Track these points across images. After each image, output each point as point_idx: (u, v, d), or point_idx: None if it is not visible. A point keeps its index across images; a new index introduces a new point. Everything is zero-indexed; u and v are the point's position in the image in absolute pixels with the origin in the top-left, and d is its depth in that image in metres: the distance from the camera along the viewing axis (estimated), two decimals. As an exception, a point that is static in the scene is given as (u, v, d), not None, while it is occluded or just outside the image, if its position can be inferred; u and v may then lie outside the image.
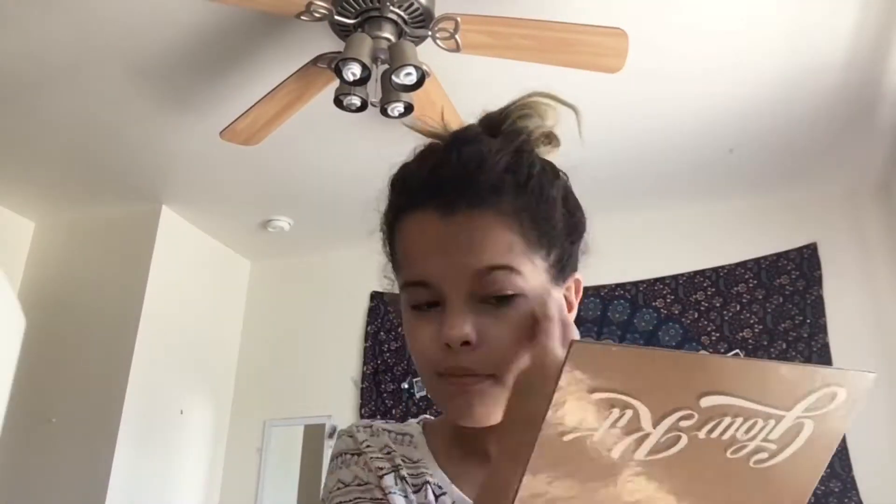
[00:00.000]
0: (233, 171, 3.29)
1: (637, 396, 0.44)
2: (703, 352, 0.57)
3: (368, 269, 3.84)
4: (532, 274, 0.62)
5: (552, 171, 0.67)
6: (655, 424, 0.45)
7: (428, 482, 0.67)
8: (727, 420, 0.46)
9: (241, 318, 4.11)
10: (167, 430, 3.49)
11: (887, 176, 3.21)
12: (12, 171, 3.33)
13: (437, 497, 0.66)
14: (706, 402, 0.45)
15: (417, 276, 0.63)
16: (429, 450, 0.71)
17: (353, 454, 0.69)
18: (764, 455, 0.48)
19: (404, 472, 0.67)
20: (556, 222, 0.65)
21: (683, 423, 0.46)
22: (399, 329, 3.76)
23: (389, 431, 0.72)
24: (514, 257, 0.61)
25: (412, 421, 0.76)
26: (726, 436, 0.47)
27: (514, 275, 0.61)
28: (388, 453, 0.69)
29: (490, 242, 0.61)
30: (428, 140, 0.69)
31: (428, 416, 0.77)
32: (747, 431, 0.47)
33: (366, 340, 3.82)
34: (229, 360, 3.99)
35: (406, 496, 0.66)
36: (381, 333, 3.80)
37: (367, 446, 0.69)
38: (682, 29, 2.41)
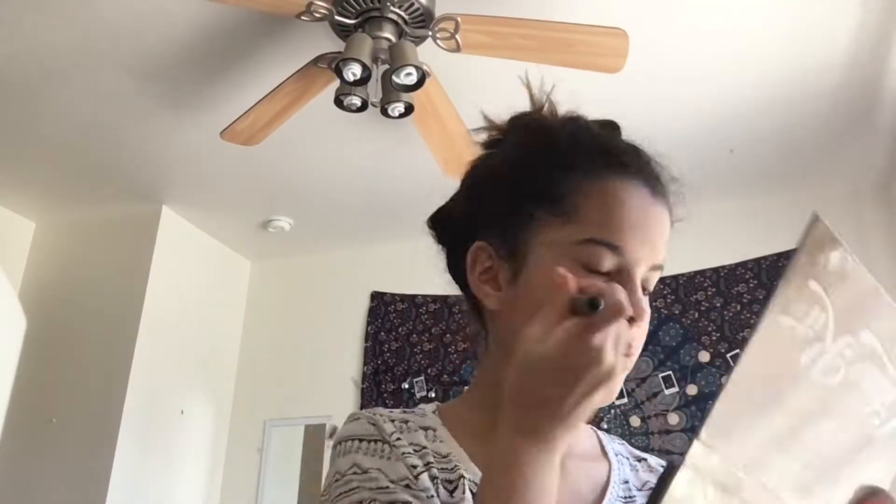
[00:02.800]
0: (233, 171, 3.29)
1: (834, 304, 0.46)
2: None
3: (368, 269, 3.85)
4: None
5: None
6: (833, 340, 0.47)
7: (463, 476, 0.62)
8: (868, 366, 0.48)
9: (241, 318, 4.11)
10: (167, 430, 3.49)
11: (887, 176, 3.21)
12: (13, 171, 3.33)
13: (474, 494, 0.61)
14: (864, 336, 0.47)
15: (617, 241, 0.62)
16: (456, 442, 0.66)
17: (377, 441, 0.63)
18: (876, 421, 0.50)
19: (435, 471, 0.62)
20: None
21: (846, 352, 0.47)
22: (399, 329, 3.76)
23: (412, 425, 0.66)
24: None
25: (424, 409, 0.71)
26: (865, 384, 0.48)
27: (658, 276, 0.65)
28: (419, 450, 0.63)
29: (666, 241, 0.65)
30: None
31: (424, 406, 0.72)
32: (874, 388, 0.48)
33: (366, 340, 3.82)
34: (229, 360, 3.99)
35: (438, 496, 0.60)
36: (382, 333, 3.80)
37: (398, 439, 0.63)
38: (682, 29, 2.41)
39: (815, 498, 0.49)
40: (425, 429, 0.67)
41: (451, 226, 0.73)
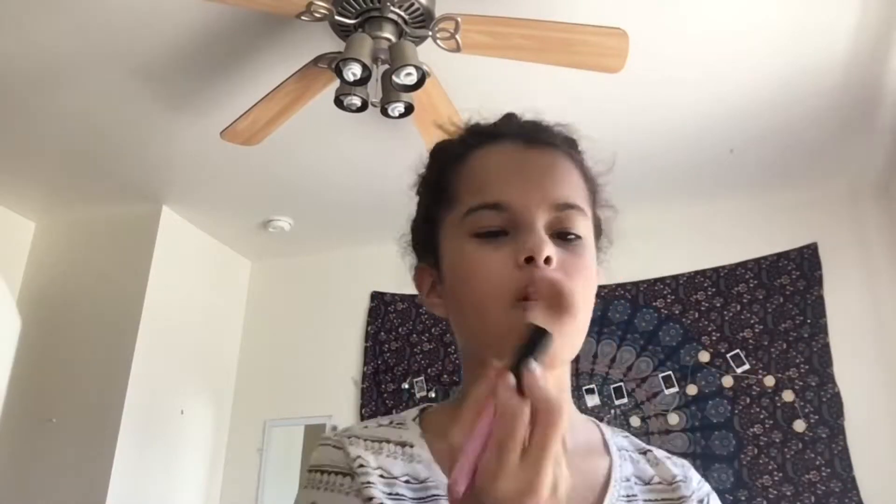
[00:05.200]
0: (233, 171, 3.29)
1: None
2: None
3: (368, 269, 3.86)
4: (590, 224, 0.65)
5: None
6: None
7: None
8: None
9: (241, 318, 4.11)
10: (167, 430, 3.49)
11: (887, 176, 3.21)
12: (12, 171, 3.33)
13: None
14: None
15: (494, 198, 0.62)
16: (434, 460, 0.62)
17: (338, 474, 0.61)
18: None
19: (408, 499, 0.59)
20: (596, 189, 0.69)
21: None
22: (399, 329, 3.76)
23: (389, 447, 0.63)
24: (583, 202, 0.64)
25: (405, 418, 0.68)
26: None
27: (584, 218, 0.63)
28: (387, 477, 0.60)
29: (568, 179, 0.64)
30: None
31: (406, 414, 0.69)
32: None
33: (366, 340, 3.82)
34: (229, 360, 3.99)
35: None
36: (382, 333, 3.80)
37: (361, 466, 0.60)
38: (681, 29, 2.41)
39: None
40: (403, 445, 0.64)
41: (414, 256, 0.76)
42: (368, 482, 0.59)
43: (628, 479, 0.69)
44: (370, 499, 0.58)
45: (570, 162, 0.66)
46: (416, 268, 0.71)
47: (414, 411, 0.70)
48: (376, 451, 0.62)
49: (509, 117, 0.71)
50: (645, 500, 0.68)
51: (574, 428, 0.69)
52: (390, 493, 0.59)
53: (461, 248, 0.62)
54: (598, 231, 0.70)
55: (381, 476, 0.60)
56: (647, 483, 0.70)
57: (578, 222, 0.62)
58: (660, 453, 0.75)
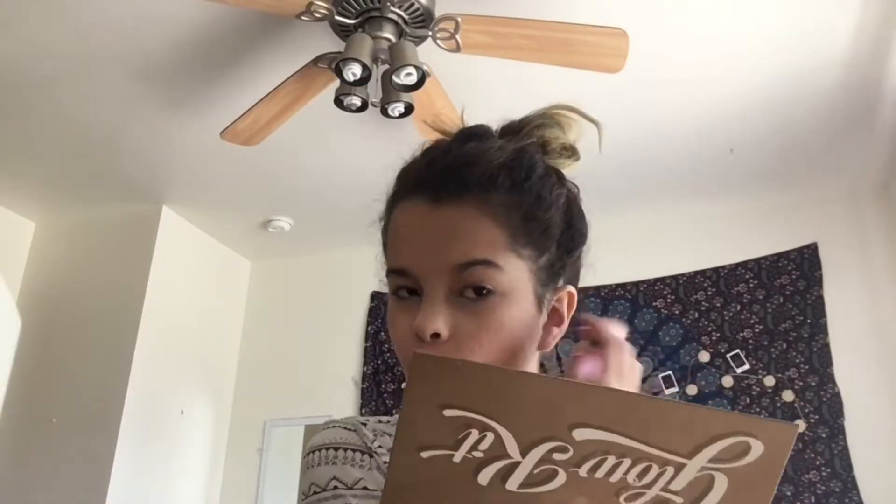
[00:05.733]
0: (233, 171, 3.29)
1: (497, 419, 0.41)
2: (568, 378, 0.54)
3: (368, 269, 3.83)
4: (515, 272, 0.61)
5: (557, 178, 0.66)
6: (524, 453, 0.42)
7: None
8: (611, 459, 0.42)
9: (241, 318, 4.11)
10: (167, 430, 3.49)
11: (887, 176, 3.21)
12: (13, 172, 3.33)
13: None
14: (579, 434, 0.41)
15: (398, 264, 0.63)
16: None
17: (357, 451, 0.63)
18: None
19: None
20: (551, 226, 0.63)
21: (558, 457, 0.42)
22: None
23: (389, 437, 0.66)
24: (496, 252, 0.60)
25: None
26: (614, 478, 0.43)
27: (494, 270, 0.60)
28: None
29: (472, 235, 0.60)
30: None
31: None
32: (640, 476, 0.43)
33: (366, 340, 3.82)
34: (229, 360, 3.99)
35: None
36: (382, 333, 3.80)
37: (380, 446, 0.63)
38: (681, 29, 2.41)
39: None
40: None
41: None
42: (387, 461, 0.60)
43: None
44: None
45: (478, 212, 0.61)
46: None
47: None
48: (381, 435, 0.65)
49: (438, 153, 0.66)
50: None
51: None
52: None
53: (390, 305, 0.65)
54: (552, 270, 0.65)
55: None
56: None
57: (486, 275, 0.60)
58: None
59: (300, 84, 2.30)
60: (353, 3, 2.04)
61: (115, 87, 2.71)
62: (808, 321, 3.19)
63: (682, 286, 3.43)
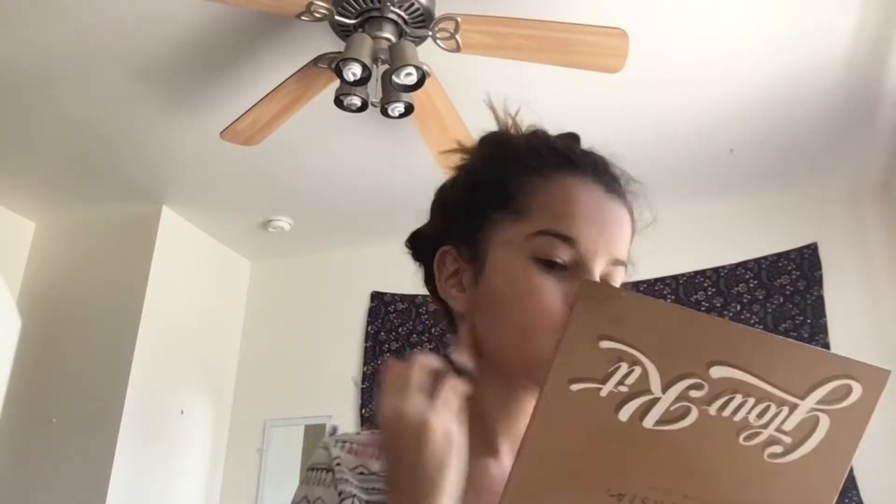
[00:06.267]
0: (233, 171, 3.29)
1: (647, 353, 0.43)
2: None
3: (368, 269, 3.84)
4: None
5: None
6: (665, 389, 0.43)
7: None
8: (738, 398, 0.44)
9: (241, 318, 4.11)
10: (167, 430, 3.49)
11: (887, 176, 3.21)
12: (12, 171, 3.33)
13: None
14: (716, 372, 0.43)
15: (573, 233, 0.63)
16: None
17: (323, 470, 0.67)
18: (778, 449, 0.45)
19: (375, 498, 0.63)
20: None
21: (693, 394, 0.43)
22: (399, 329, 3.76)
23: (368, 449, 0.68)
24: (626, 259, 0.67)
25: None
26: (738, 417, 0.44)
27: (624, 275, 0.66)
28: (362, 473, 0.65)
29: (628, 237, 0.67)
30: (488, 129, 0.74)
31: None
32: (760, 416, 0.44)
33: (366, 340, 3.82)
34: (229, 360, 3.99)
35: None
36: (382, 333, 3.80)
37: (338, 464, 0.66)
38: (681, 29, 2.41)
39: None
40: None
41: (424, 241, 0.75)
42: (343, 478, 0.65)
43: None
44: (341, 491, 0.64)
45: (630, 218, 0.69)
46: (442, 250, 0.71)
47: None
48: (359, 452, 0.68)
49: (578, 143, 0.72)
50: None
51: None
52: (366, 488, 0.65)
53: (524, 267, 0.63)
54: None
55: (361, 473, 0.66)
56: None
57: (619, 279, 0.66)
58: None
59: (300, 84, 2.30)
60: (353, 3, 2.04)
61: (115, 87, 2.71)
62: (808, 321, 3.19)
63: (682, 286, 3.43)
